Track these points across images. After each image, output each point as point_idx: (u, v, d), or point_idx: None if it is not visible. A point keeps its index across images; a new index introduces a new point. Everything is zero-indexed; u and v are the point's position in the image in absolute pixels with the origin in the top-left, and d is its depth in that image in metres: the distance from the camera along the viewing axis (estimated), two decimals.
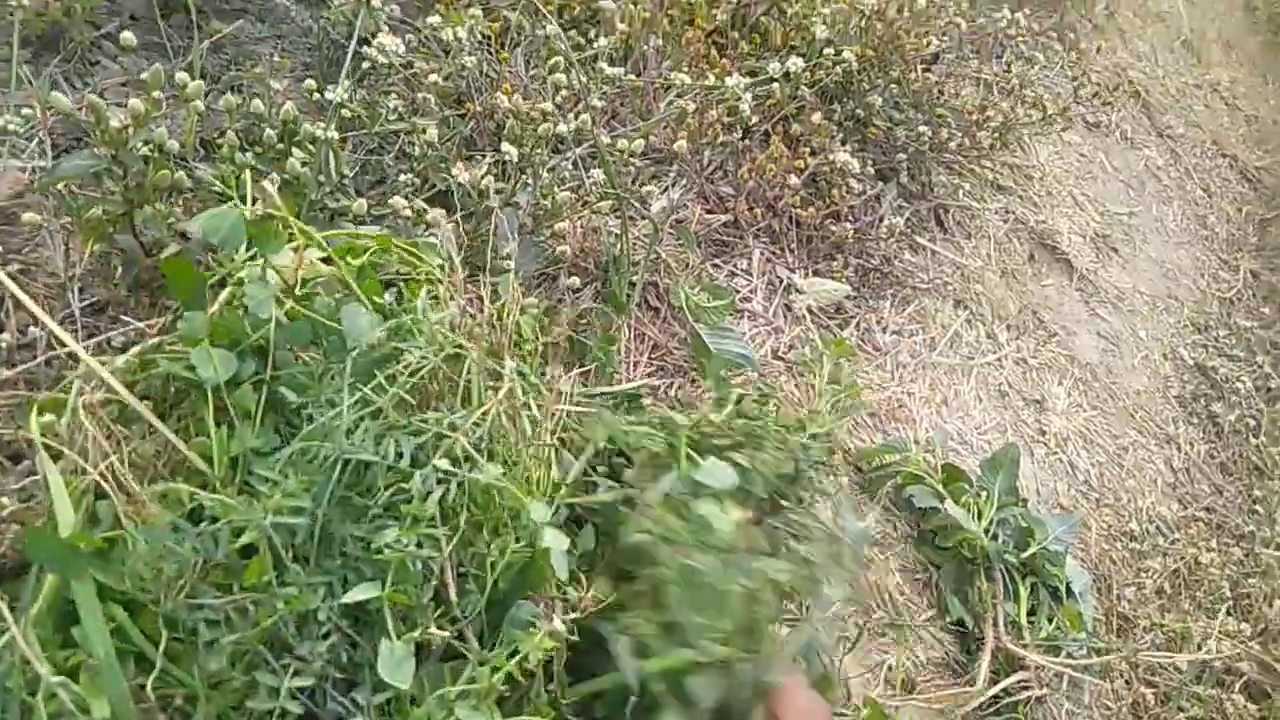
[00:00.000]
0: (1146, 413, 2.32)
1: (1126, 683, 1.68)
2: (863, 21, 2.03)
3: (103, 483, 0.85)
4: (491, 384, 1.03)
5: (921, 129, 2.09)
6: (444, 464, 0.89)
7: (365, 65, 1.55)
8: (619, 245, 1.55)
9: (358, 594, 0.84)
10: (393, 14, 1.69)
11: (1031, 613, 1.61)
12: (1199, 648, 1.72)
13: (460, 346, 1.01)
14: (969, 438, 1.91)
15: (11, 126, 1.27)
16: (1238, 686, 1.74)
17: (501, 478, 0.93)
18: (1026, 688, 1.51)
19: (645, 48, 1.86)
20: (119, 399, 0.93)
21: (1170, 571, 1.89)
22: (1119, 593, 1.82)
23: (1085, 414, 2.17)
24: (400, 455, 0.89)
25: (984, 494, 1.69)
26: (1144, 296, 2.63)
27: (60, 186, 1.25)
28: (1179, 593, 1.86)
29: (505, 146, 1.35)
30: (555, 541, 0.94)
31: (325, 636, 0.83)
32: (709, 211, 1.82)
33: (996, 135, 2.24)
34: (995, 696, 1.48)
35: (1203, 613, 1.81)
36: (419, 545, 0.86)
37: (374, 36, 1.57)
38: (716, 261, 1.80)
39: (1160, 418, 2.34)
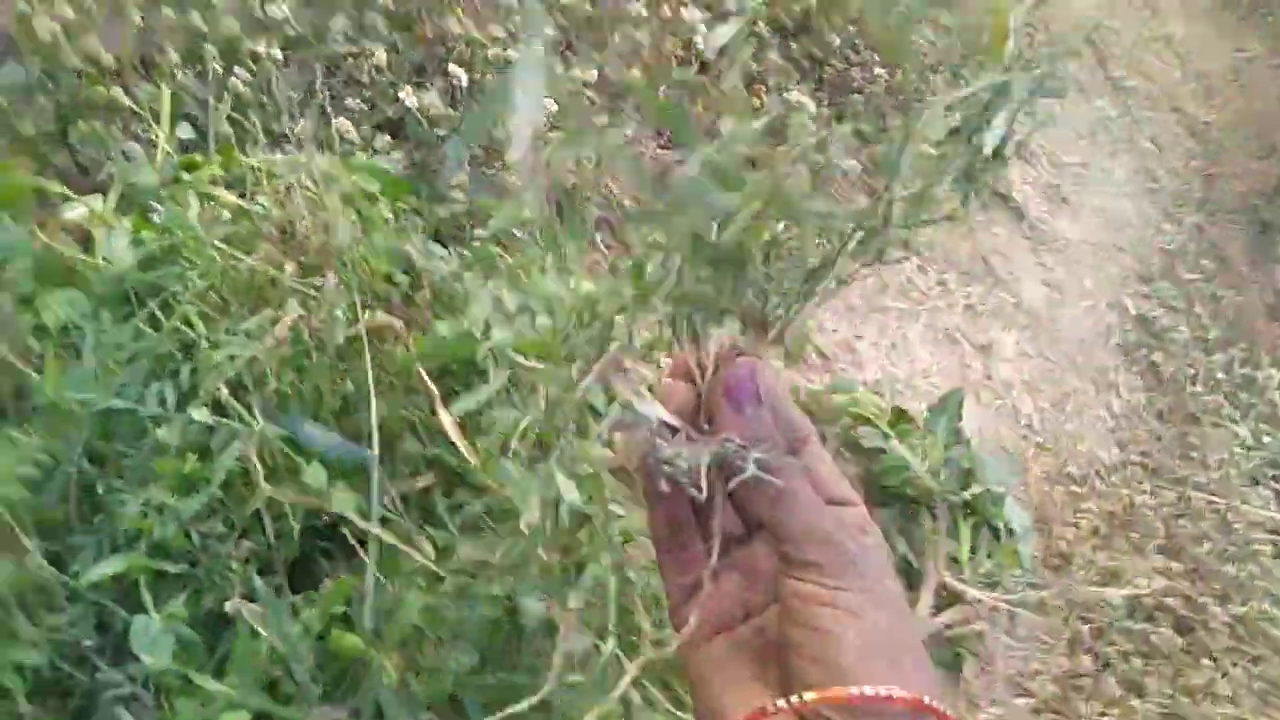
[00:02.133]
0: (1089, 360, 2.36)
1: (1064, 619, 1.73)
2: None
3: None
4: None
5: (878, 70, 2.08)
6: (203, 413, 0.83)
7: None
8: (572, 181, 1.53)
9: (100, 569, 0.78)
10: None
11: (973, 551, 1.65)
12: (1131, 584, 1.78)
13: (235, 259, 0.94)
14: (916, 382, 1.94)
15: None
16: (1166, 622, 1.80)
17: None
18: (966, 621, 1.55)
19: None
20: None
21: (1107, 513, 1.94)
22: (1057, 533, 1.87)
23: (1031, 360, 2.21)
24: (163, 401, 0.83)
25: (929, 437, 1.72)
26: (1090, 246, 2.67)
27: None
28: (1114, 533, 1.92)
29: (453, 68, 1.31)
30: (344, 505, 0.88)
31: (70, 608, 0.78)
32: (663, 147, 1.80)
33: (951, 75, 2.23)
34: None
35: (1136, 552, 1.87)
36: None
37: None
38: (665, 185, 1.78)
39: (1102, 365, 2.39)
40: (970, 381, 2.04)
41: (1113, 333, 2.50)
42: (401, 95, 1.33)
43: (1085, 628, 1.69)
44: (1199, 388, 2.46)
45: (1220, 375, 2.53)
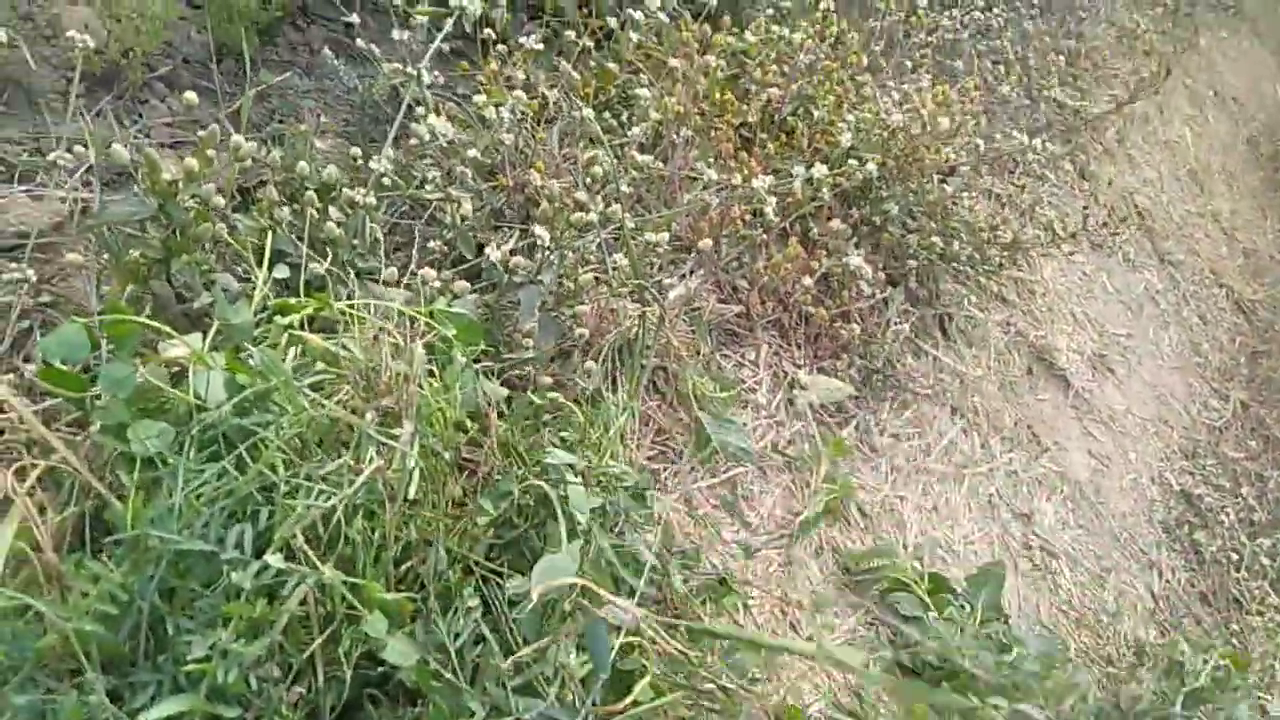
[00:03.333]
0: (1131, 535, 2.34)
1: None
2: (886, 133, 2.10)
3: None
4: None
5: (934, 239, 2.15)
6: (278, 560, 0.85)
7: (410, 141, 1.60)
8: (635, 330, 1.59)
9: (159, 710, 0.79)
10: (435, 80, 1.75)
11: None
12: None
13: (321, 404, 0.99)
14: (956, 546, 1.93)
15: (61, 162, 1.31)
16: None
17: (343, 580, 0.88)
18: None
19: (675, 138, 1.92)
20: None
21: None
22: None
23: (1072, 531, 2.20)
24: (239, 546, 0.85)
25: (968, 606, 1.71)
26: (1136, 418, 2.68)
27: (103, 227, 1.28)
28: None
29: (538, 230, 1.39)
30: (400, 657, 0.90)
31: None
32: (722, 301, 1.86)
33: (1005, 252, 2.30)
34: None
35: None
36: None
37: (417, 104, 1.63)
38: (725, 351, 1.84)
39: (1144, 541, 2.37)
40: (1010, 549, 2.03)
41: (1155, 508, 2.48)
42: (487, 250, 1.41)
43: None
44: (1243, 573, 2.42)
45: (1265, 561, 2.49)
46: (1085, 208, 2.62)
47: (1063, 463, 2.32)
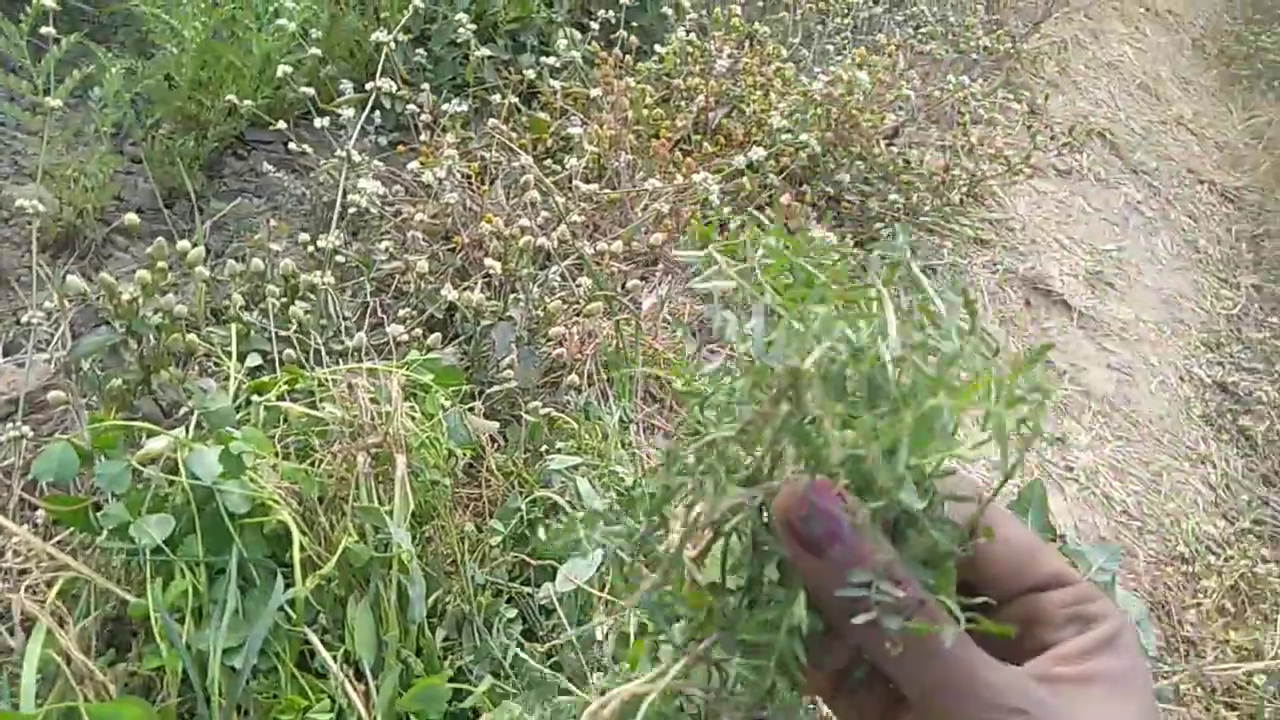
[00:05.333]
0: (1174, 436, 2.30)
1: (1206, 707, 1.61)
2: (817, 108, 2.14)
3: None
4: None
5: (893, 196, 2.17)
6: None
7: (355, 214, 1.66)
8: (615, 344, 1.61)
9: None
10: (378, 170, 1.81)
11: None
12: (1274, 659, 1.66)
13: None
14: (993, 484, 1.90)
15: (35, 321, 1.37)
16: None
17: None
18: None
19: (616, 164, 1.97)
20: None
21: (1228, 588, 1.84)
22: (1179, 617, 1.77)
23: (1111, 445, 2.16)
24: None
25: None
26: (1149, 324, 2.65)
27: (86, 366, 1.33)
28: (1242, 608, 1.81)
29: (489, 262, 1.43)
30: None
31: None
32: (700, 302, 1.88)
33: (966, 191, 2.31)
34: None
35: (1270, 624, 1.76)
36: None
37: (353, 185, 1.69)
38: (713, 347, 1.85)
39: (1189, 439, 2.32)
40: (1052, 476, 1.99)
41: (1192, 404, 2.44)
42: (444, 292, 1.44)
43: (1232, 715, 1.57)
44: None
45: None
46: (1031, 129, 2.64)
47: (1084, 382, 2.30)
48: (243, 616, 0.91)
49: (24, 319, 1.43)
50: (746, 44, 2.38)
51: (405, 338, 1.35)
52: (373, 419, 1.02)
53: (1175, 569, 1.89)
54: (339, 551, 0.96)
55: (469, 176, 1.89)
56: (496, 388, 1.36)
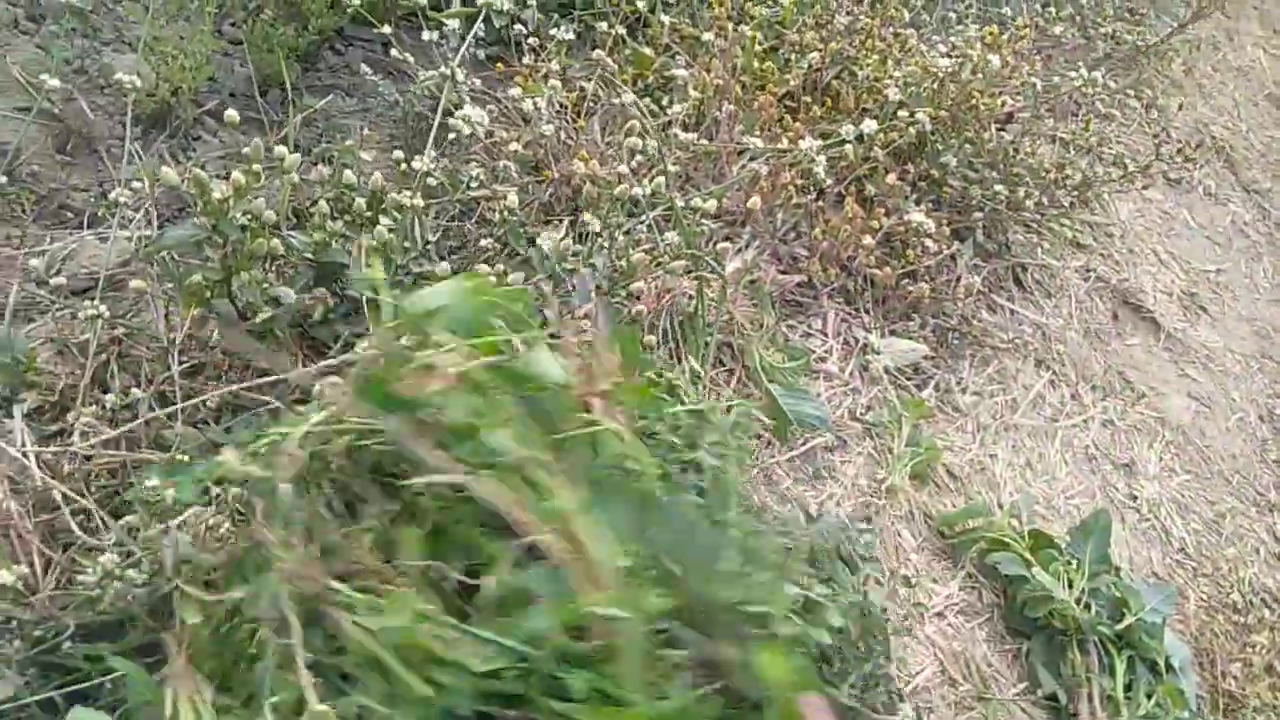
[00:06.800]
0: (1244, 478, 2.21)
1: None
2: (935, 83, 2.03)
3: None
4: None
5: (997, 188, 2.07)
6: None
7: (449, 136, 1.61)
8: (694, 305, 1.56)
9: None
10: (474, 87, 1.75)
11: (1128, 688, 1.53)
12: None
13: None
14: (1056, 502, 1.85)
15: (122, 200, 1.35)
16: None
17: None
18: None
19: (718, 114, 1.90)
20: None
21: (1279, 647, 1.78)
22: (1223, 669, 1.72)
23: (1179, 478, 2.09)
24: None
25: (1074, 562, 1.63)
26: (1236, 356, 2.53)
27: (165, 255, 1.32)
28: None
29: (585, 216, 1.38)
30: None
31: None
32: (783, 272, 1.82)
33: (1075, 194, 2.20)
34: None
35: None
36: None
37: (457, 109, 1.64)
38: (791, 321, 1.79)
39: (1260, 483, 2.23)
40: (1114, 502, 1.93)
41: (1269, 447, 2.35)
42: (539, 241, 1.40)
43: None
44: None
45: None
46: (1156, 138, 2.50)
47: (1161, 408, 2.21)
48: None
49: (111, 195, 1.42)
50: (867, 1, 2.26)
51: (491, 277, 1.31)
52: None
53: (1226, 618, 1.83)
54: None
55: (565, 107, 1.83)
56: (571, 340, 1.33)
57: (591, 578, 0.82)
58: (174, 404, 1.20)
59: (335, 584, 0.83)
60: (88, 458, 1.14)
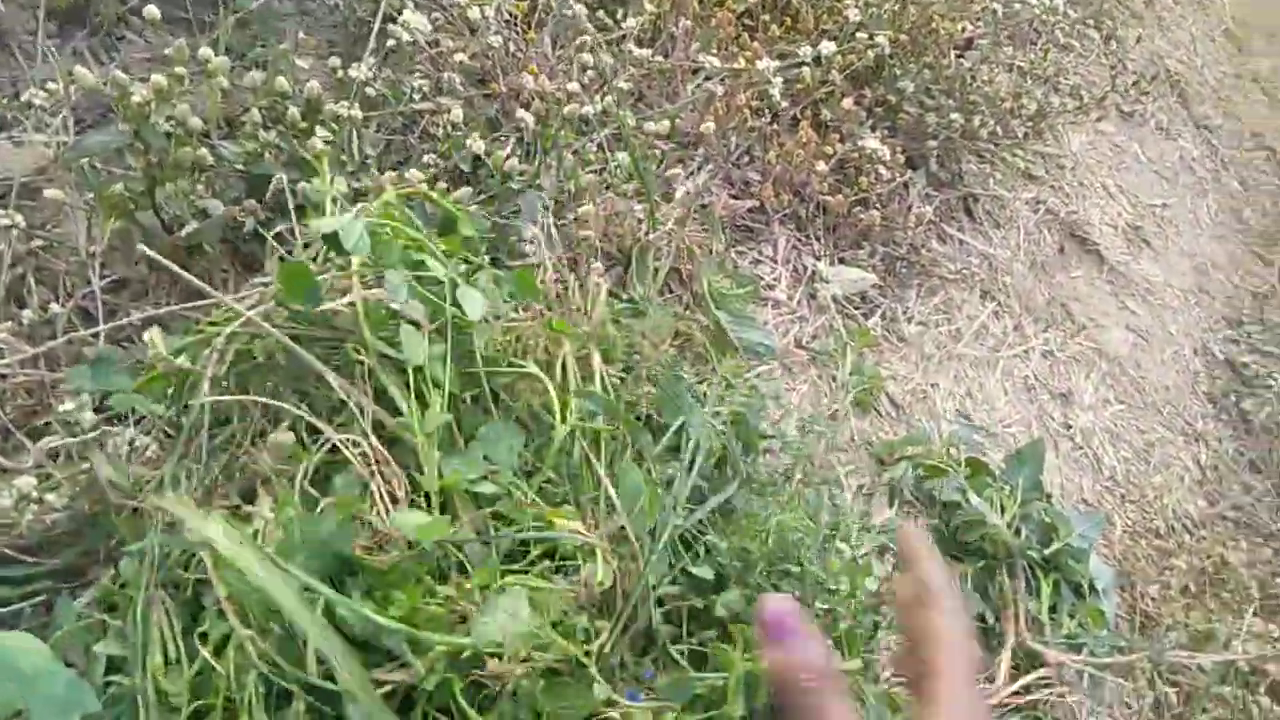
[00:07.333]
0: (1174, 408, 2.28)
1: (1149, 682, 1.65)
2: (896, 5, 1.99)
3: None
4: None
5: (953, 116, 2.05)
6: None
7: (390, 44, 1.54)
8: (643, 229, 1.53)
9: None
10: None
11: (1053, 610, 1.59)
12: (1225, 647, 1.69)
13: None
14: (994, 431, 1.88)
15: (36, 101, 1.27)
16: (1263, 688, 1.70)
17: None
18: (1048, 685, 1.49)
19: (674, 29, 1.84)
20: None
21: (1196, 570, 1.86)
22: (1143, 590, 1.79)
23: (1113, 408, 2.14)
24: None
25: (1008, 489, 1.67)
26: (1175, 290, 2.58)
27: (84, 163, 1.25)
28: (1204, 592, 1.83)
29: (521, 113, 1.33)
30: None
31: None
32: (735, 197, 1.79)
33: (1030, 124, 2.19)
34: (1015, 693, 1.46)
35: (1229, 612, 1.78)
36: None
37: (399, 14, 1.56)
38: (741, 248, 1.77)
39: (1189, 414, 2.30)
40: (1050, 431, 1.97)
41: (1200, 379, 2.41)
42: (470, 142, 1.35)
43: (1172, 692, 1.61)
44: None
45: None
46: (1113, 69, 2.48)
47: (1100, 340, 2.25)
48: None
49: (24, 96, 1.34)
50: None
51: (426, 187, 1.26)
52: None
53: (1148, 543, 1.90)
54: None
55: (515, 17, 1.75)
56: (515, 264, 1.30)
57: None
58: (96, 321, 1.15)
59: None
60: (3, 376, 1.09)
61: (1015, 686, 1.47)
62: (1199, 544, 1.96)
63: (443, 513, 0.85)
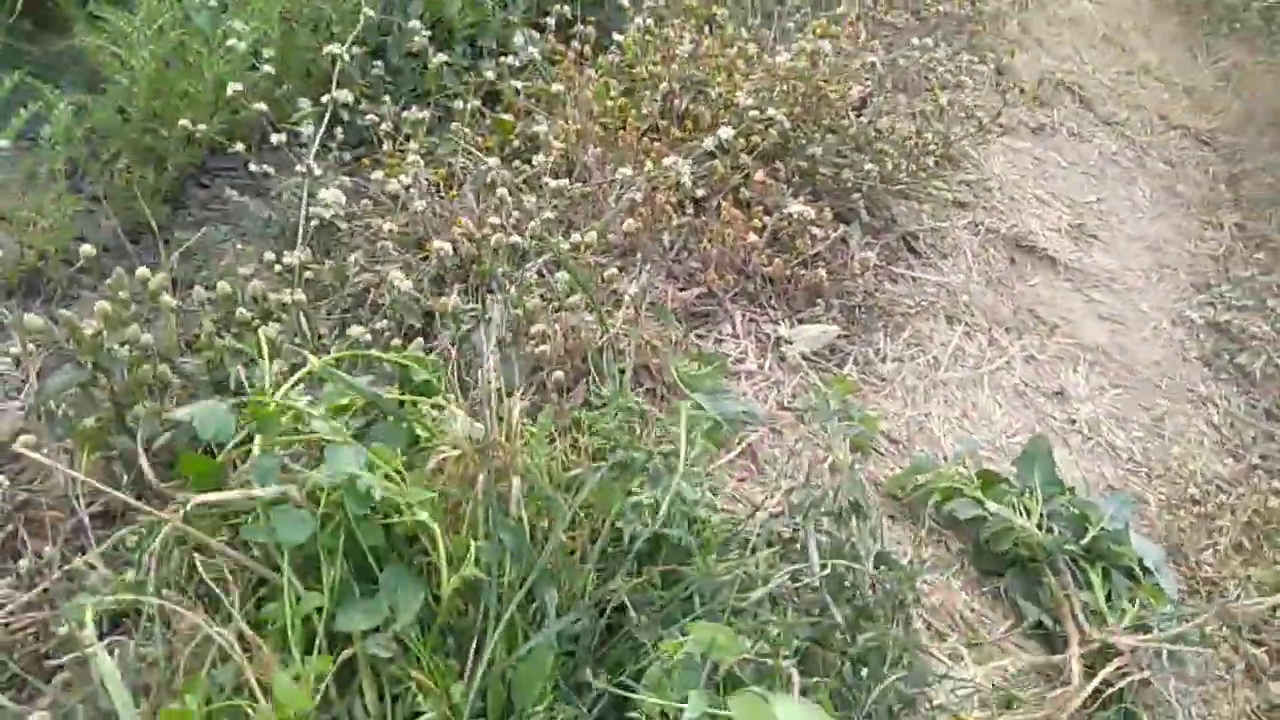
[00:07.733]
0: (1172, 380, 2.28)
1: (1233, 647, 1.58)
2: (784, 84, 2.11)
3: None
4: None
5: (868, 166, 2.15)
6: None
7: (323, 229, 1.62)
8: (600, 336, 1.57)
9: None
10: (341, 183, 1.77)
11: (1109, 597, 1.54)
12: None
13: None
14: (999, 443, 1.87)
15: (3, 368, 1.33)
16: None
17: None
18: (1126, 674, 1.42)
19: (585, 158, 1.94)
20: None
21: (1243, 525, 1.81)
22: (1196, 559, 1.74)
23: (1109, 394, 2.14)
24: None
25: (1026, 491, 1.65)
26: (1135, 272, 2.63)
27: (54, 406, 1.29)
28: (1259, 544, 1.78)
29: (437, 244, 1.39)
30: None
31: None
32: (681, 289, 1.85)
33: (940, 154, 2.29)
34: (1096, 690, 1.39)
35: None
36: None
37: (313, 196, 1.65)
38: (700, 331, 1.82)
39: (1188, 381, 2.30)
40: (1054, 430, 1.97)
41: (1187, 347, 2.42)
42: (390, 278, 1.41)
43: (1259, 651, 1.55)
44: None
45: None
46: (1002, 88, 2.61)
47: (1076, 334, 2.27)
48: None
49: None
50: (706, 28, 2.35)
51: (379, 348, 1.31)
52: None
53: (1188, 511, 1.86)
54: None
55: (437, 185, 1.86)
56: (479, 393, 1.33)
57: None
58: (88, 550, 1.16)
59: None
60: (6, 624, 1.10)
61: (1094, 683, 1.41)
62: (1238, 500, 1.93)
63: None
